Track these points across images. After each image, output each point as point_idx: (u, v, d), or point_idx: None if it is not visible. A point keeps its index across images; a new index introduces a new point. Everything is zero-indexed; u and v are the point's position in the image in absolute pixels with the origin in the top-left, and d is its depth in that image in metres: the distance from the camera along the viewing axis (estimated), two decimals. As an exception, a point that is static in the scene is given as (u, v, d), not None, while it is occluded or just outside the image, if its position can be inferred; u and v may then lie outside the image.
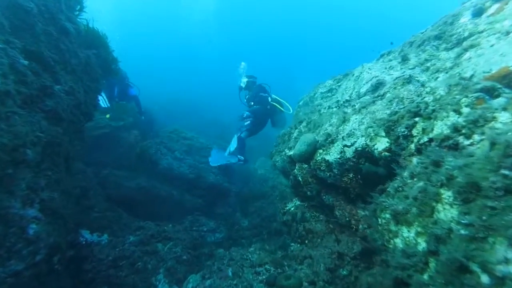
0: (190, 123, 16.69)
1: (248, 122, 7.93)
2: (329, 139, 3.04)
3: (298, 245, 3.73)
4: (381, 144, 2.32)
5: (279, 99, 7.98)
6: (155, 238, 5.17)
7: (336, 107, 3.96)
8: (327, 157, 2.99)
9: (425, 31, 4.00)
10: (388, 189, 1.97)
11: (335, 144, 2.99)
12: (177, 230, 5.79)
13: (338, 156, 2.79)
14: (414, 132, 2.02)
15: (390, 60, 3.55)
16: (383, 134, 2.31)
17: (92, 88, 4.80)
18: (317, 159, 3.23)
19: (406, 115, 2.13)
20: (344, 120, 3.04)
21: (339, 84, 5.37)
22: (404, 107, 2.27)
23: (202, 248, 5.60)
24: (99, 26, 5.48)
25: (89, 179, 7.26)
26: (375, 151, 2.38)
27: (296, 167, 3.91)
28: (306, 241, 3.72)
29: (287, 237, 4.68)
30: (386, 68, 3.33)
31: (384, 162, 2.30)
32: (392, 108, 2.40)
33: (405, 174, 1.82)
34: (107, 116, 9.82)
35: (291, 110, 7.64)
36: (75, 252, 4.34)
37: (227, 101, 24.63)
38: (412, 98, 2.31)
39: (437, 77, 2.98)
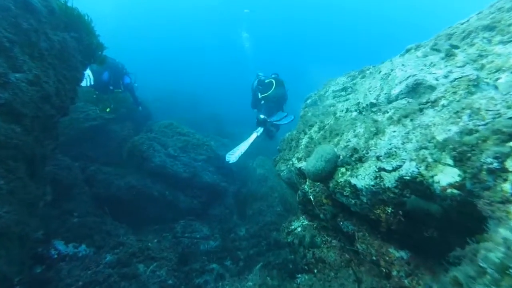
0: (188, 116, 15.90)
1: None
2: (356, 156, 2.30)
3: (306, 276, 3.04)
4: (447, 176, 1.59)
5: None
6: (136, 257, 4.40)
7: (356, 110, 3.21)
8: (354, 181, 2.25)
9: (467, 20, 3.25)
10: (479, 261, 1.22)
11: (366, 165, 2.23)
12: (163, 248, 5.00)
13: (372, 183, 2.06)
14: (510, 164, 1.31)
15: (426, 56, 2.81)
16: (450, 162, 1.59)
17: (69, 77, 4.03)
18: (339, 181, 2.45)
19: (493, 138, 1.42)
20: (377, 132, 2.30)
21: (353, 81, 4.62)
22: (486, 124, 1.54)
23: (193, 263, 4.91)
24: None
25: (74, 175, 6.53)
26: (435, 185, 1.66)
27: (307, 183, 3.19)
28: (315, 271, 3.04)
29: (290, 256, 4.00)
30: (425, 65, 2.59)
31: (450, 204, 1.59)
32: (463, 123, 1.67)
33: (503, 233, 1.12)
34: (108, 110, 9.00)
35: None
36: (42, 270, 3.63)
37: (227, 95, 23.79)
38: (498, 110, 1.58)
39: (497, 78, 2.26)
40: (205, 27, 39.63)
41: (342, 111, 3.50)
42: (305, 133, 3.87)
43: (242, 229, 6.72)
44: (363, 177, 2.14)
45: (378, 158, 2.09)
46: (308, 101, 5.41)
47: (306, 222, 3.55)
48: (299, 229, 3.56)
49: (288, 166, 3.91)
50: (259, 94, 7.90)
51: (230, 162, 6.76)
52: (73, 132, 8.25)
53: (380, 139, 2.21)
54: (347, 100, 4.10)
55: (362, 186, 2.14)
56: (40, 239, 3.99)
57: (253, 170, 9.84)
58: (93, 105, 9.22)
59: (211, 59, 38.74)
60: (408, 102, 2.39)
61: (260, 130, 7.37)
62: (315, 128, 3.71)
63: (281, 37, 44.42)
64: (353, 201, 2.30)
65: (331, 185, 2.49)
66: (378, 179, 2.02)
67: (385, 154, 2.03)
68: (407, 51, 3.67)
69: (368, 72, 4.46)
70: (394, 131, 2.13)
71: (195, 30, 40.73)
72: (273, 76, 8.54)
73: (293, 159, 3.58)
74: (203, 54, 39.65)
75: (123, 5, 36.66)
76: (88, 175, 7.08)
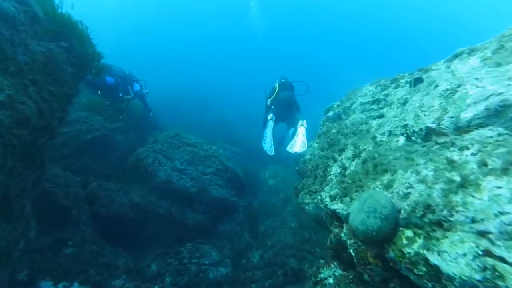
0: (195, 120, 15.35)
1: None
2: (431, 217, 1.62)
3: None
4: None
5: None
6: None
7: (403, 135, 2.52)
8: (434, 259, 1.52)
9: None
10: None
11: (455, 237, 1.50)
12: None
13: (476, 276, 1.32)
14: None
15: (500, 64, 2.12)
16: None
17: (56, 94, 3.44)
18: (406, 252, 1.71)
19: None
20: (463, 184, 1.61)
21: (385, 92, 3.94)
22: None
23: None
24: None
25: (73, 194, 5.98)
26: None
27: (345, 231, 2.50)
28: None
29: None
30: (508, 78, 1.91)
31: None
32: None
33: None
34: (121, 117, 8.79)
35: None
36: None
37: (236, 97, 23.16)
38: None
39: None
40: (214, 20, 38.95)
41: (384, 134, 2.82)
42: (335, 160, 3.20)
43: (255, 254, 6.08)
44: (453, 259, 1.40)
45: (481, 233, 1.38)
46: (330, 114, 4.73)
47: (339, 271, 2.87)
48: (330, 280, 2.88)
49: (316, 201, 3.24)
50: (268, 100, 7.49)
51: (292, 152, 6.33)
52: (76, 144, 7.75)
53: (473, 196, 1.51)
54: (381, 116, 3.43)
55: (453, 274, 1.40)
56: (24, 282, 3.44)
57: (264, 180, 9.19)
58: (97, 115, 8.73)
59: (220, 58, 38.19)
60: (499, 133, 1.71)
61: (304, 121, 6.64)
62: (348, 153, 3.04)
63: (295, 32, 42.72)
64: (429, 284, 1.59)
65: (391, 253, 1.80)
66: (488, 270, 1.30)
67: (495, 228, 1.33)
68: (457, 56, 2.97)
69: (402, 81, 3.77)
70: (500, 187, 1.45)
71: (203, 26, 40.13)
72: (282, 80, 7.98)
73: (323, 195, 2.90)
74: (212, 53, 39.08)
75: (128, 4, 36.32)
76: (89, 193, 6.53)
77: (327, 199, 2.78)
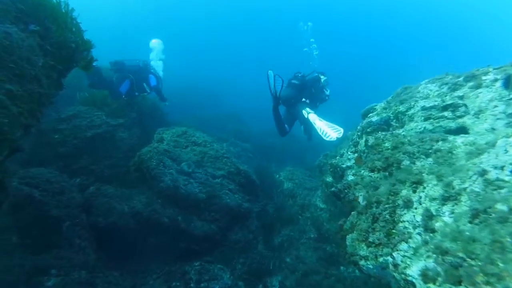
0: (206, 115, 14.47)
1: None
2: None
3: None
4: None
5: None
6: None
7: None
8: None
9: None
10: None
11: None
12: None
13: None
14: None
15: None
16: None
17: (18, 93, 2.55)
18: None
19: None
20: None
21: (457, 93, 2.94)
22: None
23: None
24: None
25: (67, 202, 5.20)
26: None
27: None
28: None
29: None
30: None
31: None
32: None
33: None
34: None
35: None
36: None
37: (248, 93, 22.08)
38: None
39: None
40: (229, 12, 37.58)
41: (502, 168, 1.81)
42: (408, 204, 2.13)
43: (275, 281, 5.19)
44: None
45: None
46: (375, 119, 3.73)
47: None
48: None
49: (381, 261, 2.28)
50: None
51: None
52: (75, 142, 6.96)
53: None
54: (463, 130, 2.45)
55: None
56: None
57: (280, 183, 8.28)
58: (98, 110, 7.91)
59: (233, 51, 36.96)
60: None
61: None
62: (430, 190, 2.04)
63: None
64: None
65: None
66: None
67: None
68: None
69: (486, 79, 2.76)
70: None
71: (217, 18, 38.77)
72: (296, 74, 7.01)
73: (400, 260, 1.91)
74: (225, 45, 37.81)
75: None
76: (86, 199, 5.75)
77: (413, 273, 1.79)
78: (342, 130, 4.43)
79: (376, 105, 4.02)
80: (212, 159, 6.94)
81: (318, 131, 4.95)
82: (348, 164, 4.00)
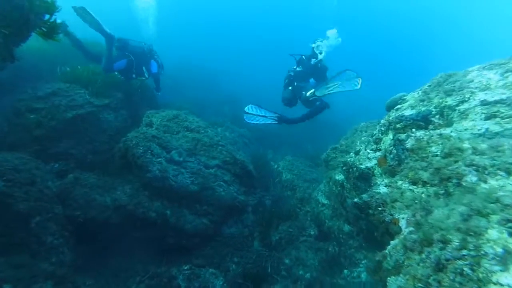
0: (201, 97, 13.58)
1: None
2: None
3: None
4: None
5: None
6: None
7: None
8: None
9: None
10: None
11: None
12: None
13: None
14: None
15: None
16: None
17: None
18: None
19: None
20: None
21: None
22: None
23: None
24: None
25: (37, 194, 4.47)
26: None
27: None
28: None
29: None
30: None
31: None
32: None
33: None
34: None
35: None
36: None
37: (247, 75, 20.99)
38: None
39: None
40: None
41: None
42: (507, 259, 1.40)
43: None
44: None
45: None
46: (407, 113, 2.94)
47: None
48: None
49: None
50: None
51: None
52: (52, 124, 6.13)
53: None
54: None
55: None
56: None
57: (278, 173, 7.63)
58: (82, 88, 7.03)
59: (233, 31, 35.28)
60: None
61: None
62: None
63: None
64: None
65: None
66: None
67: None
68: None
69: None
70: None
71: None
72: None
73: None
74: (224, 25, 36.05)
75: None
76: (63, 188, 5.02)
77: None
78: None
79: (406, 95, 3.28)
80: (205, 146, 6.21)
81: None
82: (368, 164, 3.32)
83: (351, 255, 5.11)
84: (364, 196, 2.71)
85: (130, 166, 5.59)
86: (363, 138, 4.11)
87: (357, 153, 3.80)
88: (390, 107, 3.47)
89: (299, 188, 6.93)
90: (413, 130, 2.73)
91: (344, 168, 3.91)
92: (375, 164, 3.20)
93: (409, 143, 2.58)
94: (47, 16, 3.09)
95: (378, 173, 3.09)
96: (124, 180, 5.58)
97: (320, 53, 6.27)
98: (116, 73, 7.51)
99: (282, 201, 7.09)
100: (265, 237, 5.85)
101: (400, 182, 2.34)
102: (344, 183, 4.13)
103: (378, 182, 2.85)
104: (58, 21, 3.23)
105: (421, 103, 2.98)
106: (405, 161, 2.54)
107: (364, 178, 3.33)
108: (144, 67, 7.68)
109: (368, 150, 3.42)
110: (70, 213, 4.76)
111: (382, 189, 2.61)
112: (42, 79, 7.93)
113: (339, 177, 4.26)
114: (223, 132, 9.08)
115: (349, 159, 3.79)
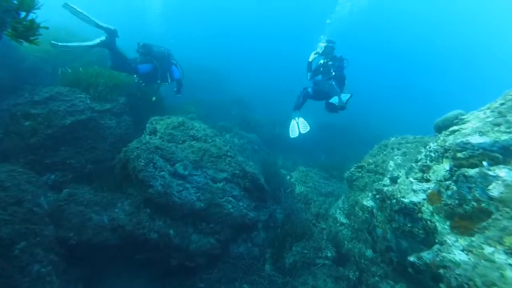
0: (208, 100, 12.97)
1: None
2: None
3: None
4: None
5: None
6: None
7: None
8: None
9: None
10: None
11: None
12: None
13: None
14: None
15: None
16: None
17: None
18: None
19: None
20: None
21: None
22: None
23: None
24: None
25: (26, 215, 3.89)
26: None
27: None
28: None
29: None
30: None
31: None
32: None
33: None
34: (153, 98, 7.55)
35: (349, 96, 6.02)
36: None
37: (255, 78, 20.30)
38: None
39: None
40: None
41: None
42: None
43: None
44: None
45: None
46: (475, 142, 2.20)
47: None
48: None
49: None
50: None
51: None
52: (49, 132, 5.58)
53: None
54: None
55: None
56: None
57: (290, 185, 6.97)
58: (82, 92, 6.48)
59: (241, 33, 34.56)
60: None
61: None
62: None
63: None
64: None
65: None
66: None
67: None
68: None
69: None
70: None
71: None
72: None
73: None
74: (231, 27, 35.36)
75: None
76: (57, 205, 4.45)
77: None
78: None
79: (465, 115, 2.59)
80: (213, 158, 5.58)
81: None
82: (414, 199, 2.65)
83: (374, 285, 4.45)
84: (426, 256, 2.05)
85: (131, 178, 5.01)
86: (399, 161, 3.43)
87: (393, 180, 3.13)
88: (441, 128, 2.78)
89: (314, 203, 6.28)
90: (487, 164, 2.04)
91: (378, 197, 3.26)
92: (424, 200, 2.54)
93: (495, 191, 1.89)
94: (22, 14, 2.48)
95: (427, 210, 2.43)
96: (124, 195, 5.00)
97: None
98: (135, 76, 7.23)
99: (294, 214, 6.45)
100: (278, 259, 5.22)
101: (488, 249, 1.66)
102: (374, 210, 3.48)
103: (448, 241, 2.13)
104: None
105: (495, 128, 2.27)
106: (494, 216, 1.86)
107: (407, 214, 2.67)
108: (168, 74, 7.48)
109: (411, 179, 2.76)
110: (63, 234, 4.18)
111: (459, 256, 1.89)
112: (42, 82, 7.43)
113: (368, 203, 3.61)
114: (232, 138, 8.46)
115: (385, 189, 3.12)
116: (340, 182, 7.02)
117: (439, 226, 2.26)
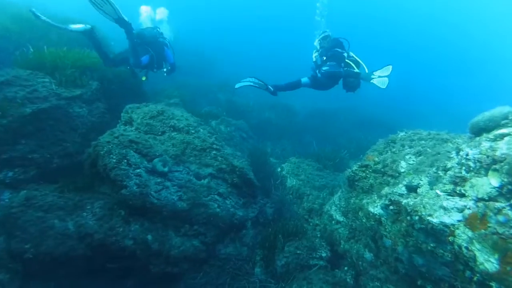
0: (195, 83, 12.05)
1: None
2: None
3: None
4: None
5: (356, 58, 5.94)
6: None
7: None
8: None
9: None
10: None
11: None
12: None
13: None
14: None
15: None
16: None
17: None
18: None
19: None
20: None
21: None
22: None
23: None
24: None
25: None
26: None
27: None
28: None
29: None
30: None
31: None
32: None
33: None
34: (143, 78, 6.65)
35: (367, 71, 5.78)
36: None
37: (244, 60, 19.21)
38: None
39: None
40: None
41: None
42: None
43: None
44: None
45: None
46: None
47: None
48: None
49: None
50: None
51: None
52: (5, 122, 4.71)
53: None
54: None
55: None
56: None
57: (282, 178, 6.39)
58: (46, 75, 5.55)
59: (232, 13, 32.81)
60: None
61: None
62: None
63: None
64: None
65: None
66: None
67: None
68: None
69: None
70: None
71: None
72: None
73: None
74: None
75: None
76: (8, 214, 3.70)
77: None
78: None
79: (510, 114, 2.00)
80: (197, 151, 4.89)
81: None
82: (446, 220, 2.03)
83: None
84: None
85: (101, 178, 4.28)
86: (412, 161, 2.86)
87: (411, 189, 2.54)
88: (481, 130, 2.16)
89: (307, 197, 5.75)
90: None
91: (392, 208, 2.68)
92: (460, 222, 1.97)
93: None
94: None
95: (464, 235, 1.87)
96: (95, 194, 4.28)
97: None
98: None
99: (286, 209, 5.92)
100: (269, 262, 4.69)
101: None
102: (383, 219, 2.93)
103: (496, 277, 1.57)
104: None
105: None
106: None
107: (433, 235, 2.12)
108: (163, 62, 6.75)
109: (438, 191, 2.19)
110: (17, 246, 3.48)
111: None
112: (4, 64, 6.40)
113: (376, 210, 3.05)
114: (218, 126, 7.74)
115: (403, 201, 2.49)
116: (333, 173, 6.50)
117: (481, 257, 1.74)
